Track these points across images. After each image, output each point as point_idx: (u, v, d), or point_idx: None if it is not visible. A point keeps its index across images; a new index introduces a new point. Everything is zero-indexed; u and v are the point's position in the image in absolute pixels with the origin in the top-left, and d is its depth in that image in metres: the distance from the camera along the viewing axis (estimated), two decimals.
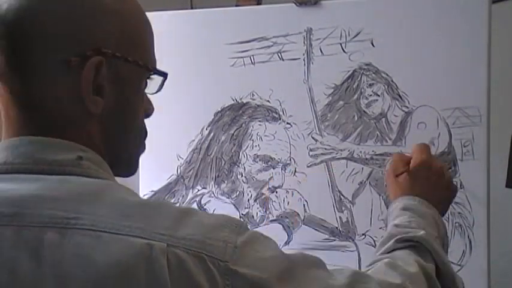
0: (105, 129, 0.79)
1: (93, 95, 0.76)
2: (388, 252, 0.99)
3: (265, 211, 1.50)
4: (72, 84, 0.75)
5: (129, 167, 0.86)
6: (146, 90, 0.87)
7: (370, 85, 1.44)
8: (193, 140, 1.55)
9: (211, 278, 0.68)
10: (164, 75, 0.89)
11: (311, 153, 1.47)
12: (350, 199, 1.45)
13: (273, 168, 1.50)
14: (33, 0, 0.74)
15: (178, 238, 0.69)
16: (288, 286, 0.72)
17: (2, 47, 0.74)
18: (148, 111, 0.89)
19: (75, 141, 0.76)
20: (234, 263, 0.69)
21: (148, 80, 0.86)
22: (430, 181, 1.11)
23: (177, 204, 1.53)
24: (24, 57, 0.74)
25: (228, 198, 1.52)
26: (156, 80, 0.88)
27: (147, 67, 0.84)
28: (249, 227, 0.76)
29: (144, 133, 0.87)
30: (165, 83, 0.92)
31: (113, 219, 0.69)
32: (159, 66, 0.90)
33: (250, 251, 0.71)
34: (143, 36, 0.83)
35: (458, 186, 1.37)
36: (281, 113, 1.49)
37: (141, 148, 0.87)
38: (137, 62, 0.80)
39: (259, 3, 1.61)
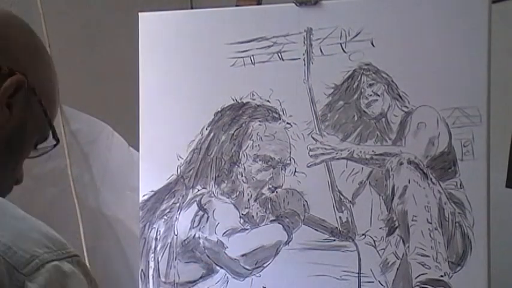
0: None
1: (5, 107, 0.79)
2: None
3: (265, 211, 1.50)
4: None
5: None
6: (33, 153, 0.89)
7: (370, 85, 1.44)
8: (194, 140, 1.55)
9: (0, 282, 0.67)
10: (57, 142, 0.89)
11: (311, 153, 1.47)
12: (350, 199, 1.45)
13: (273, 168, 1.50)
14: None
15: None
16: None
17: None
18: (21, 174, 0.88)
19: None
20: (31, 280, 0.68)
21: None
22: None
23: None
24: None
25: (228, 198, 1.52)
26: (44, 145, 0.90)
27: (50, 123, 0.86)
28: (83, 266, 0.73)
29: (16, 178, 0.87)
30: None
31: None
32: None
33: (53, 281, 0.69)
34: (56, 96, 0.88)
35: (459, 186, 1.37)
36: (281, 113, 1.49)
37: (10, 186, 0.86)
38: (46, 111, 0.84)
39: (259, 3, 1.61)
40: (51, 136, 0.88)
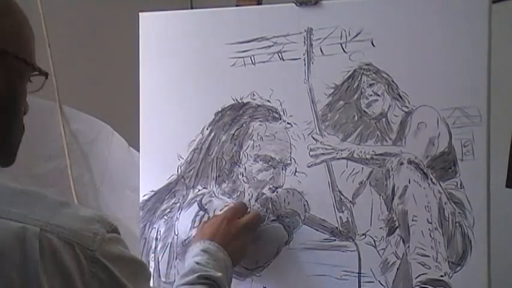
0: None
1: None
2: (191, 285, 1.22)
3: (266, 211, 1.50)
4: None
5: (8, 156, 0.93)
6: (30, 89, 0.94)
7: (371, 85, 1.44)
8: (194, 140, 1.55)
9: (78, 263, 0.79)
10: (45, 74, 0.95)
11: (311, 153, 1.47)
12: (350, 199, 1.45)
13: (274, 168, 1.50)
14: None
15: (52, 225, 0.79)
16: (132, 285, 0.87)
17: None
18: (27, 107, 0.95)
19: None
20: (101, 253, 0.82)
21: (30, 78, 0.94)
22: (230, 234, 1.37)
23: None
24: None
25: (229, 198, 1.52)
26: (37, 79, 0.96)
27: (33, 65, 0.92)
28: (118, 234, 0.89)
29: (23, 128, 0.94)
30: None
31: None
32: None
33: (115, 248, 0.85)
34: (29, 38, 0.92)
35: (459, 186, 1.37)
36: (281, 113, 1.49)
37: (19, 140, 0.94)
38: (25, 59, 0.89)
39: (259, 3, 1.61)
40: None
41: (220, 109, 1.54)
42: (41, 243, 0.77)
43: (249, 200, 1.51)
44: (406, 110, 1.41)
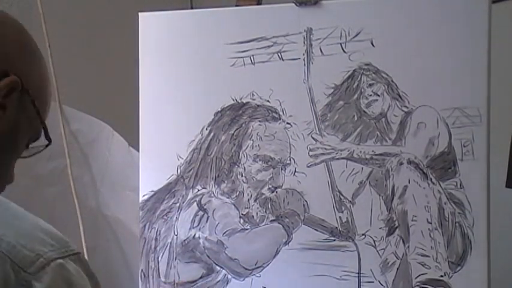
0: None
1: None
2: None
3: (265, 211, 1.50)
4: None
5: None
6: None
7: (370, 85, 1.44)
8: (193, 140, 1.55)
9: (5, 281, 0.68)
10: (49, 142, 0.90)
11: (311, 153, 1.47)
12: (350, 199, 1.45)
13: (273, 168, 1.50)
14: None
15: None
16: None
17: None
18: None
19: None
20: (37, 279, 0.69)
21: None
22: None
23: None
24: None
25: (228, 198, 1.52)
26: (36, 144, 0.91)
27: (43, 122, 0.87)
28: (85, 263, 0.75)
29: (8, 178, 0.88)
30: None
31: None
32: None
33: (58, 278, 0.70)
34: (48, 97, 0.88)
35: (458, 186, 1.37)
36: (281, 113, 1.49)
37: (3, 185, 0.87)
38: (39, 112, 0.84)
39: (259, 3, 1.61)
40: (43, 137, 0.89)
41: (219, 109, 1.54)
42: None
43: (248, 200, 1.51)
44: (405, 110, 1.41)
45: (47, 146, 0.90)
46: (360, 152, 1.44)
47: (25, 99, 0.82)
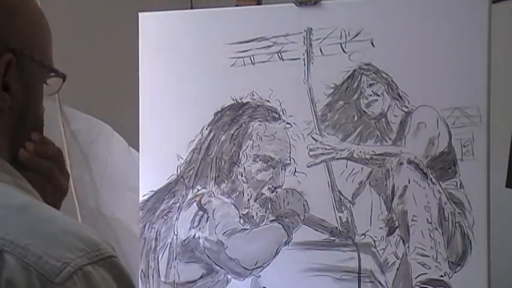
0: (8, 126, 0.81)
1: (2, 90, 0.78)
2: None
3: (265, 211, 1.50)
4: None
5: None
6: (47, 91, 0.90)
7: (370, 85, 1.44)
8: (193, 140, 1.55)
9: None
10: (63, 76, 0.90)
11: (311, 153, 1.47)
12: (350, 199, 1.45)
13: (273, 168, 1.50)
14: None
15: (16, 245, 0.67)
16: None
17: None
18: (43, 110, 0.91)
19: None
20: None
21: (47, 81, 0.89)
22: None
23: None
24: None
25: (228, 198, 1.52)
26: (54, 81, 0.91)
27: (50, 67, 0.87)
28: (116, 267, 0.71)
29: (41, 128, 0.89)
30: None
31: None
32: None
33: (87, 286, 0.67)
34: (46, 38, 0.87)
35: (458, 186, 1.37)
36: (281, 113, 1.49)
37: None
38: (41, 61, 0.84)
39: (259, 3, 1.61)
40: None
41: (219, 109, 1.53)
42: (2, 264, 0.66)
43: (248, 200, 1.51)
44: (405, 110, 1.41)
45: (63, 81, 0.91)
46: (360, 152, 1.44)
47: (24, 61, 0.81)
